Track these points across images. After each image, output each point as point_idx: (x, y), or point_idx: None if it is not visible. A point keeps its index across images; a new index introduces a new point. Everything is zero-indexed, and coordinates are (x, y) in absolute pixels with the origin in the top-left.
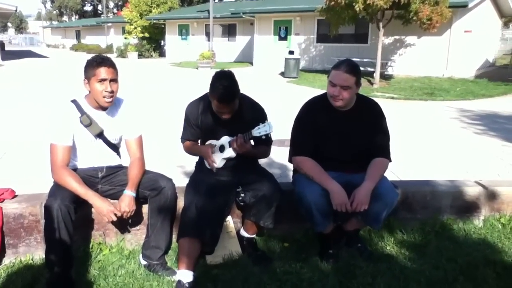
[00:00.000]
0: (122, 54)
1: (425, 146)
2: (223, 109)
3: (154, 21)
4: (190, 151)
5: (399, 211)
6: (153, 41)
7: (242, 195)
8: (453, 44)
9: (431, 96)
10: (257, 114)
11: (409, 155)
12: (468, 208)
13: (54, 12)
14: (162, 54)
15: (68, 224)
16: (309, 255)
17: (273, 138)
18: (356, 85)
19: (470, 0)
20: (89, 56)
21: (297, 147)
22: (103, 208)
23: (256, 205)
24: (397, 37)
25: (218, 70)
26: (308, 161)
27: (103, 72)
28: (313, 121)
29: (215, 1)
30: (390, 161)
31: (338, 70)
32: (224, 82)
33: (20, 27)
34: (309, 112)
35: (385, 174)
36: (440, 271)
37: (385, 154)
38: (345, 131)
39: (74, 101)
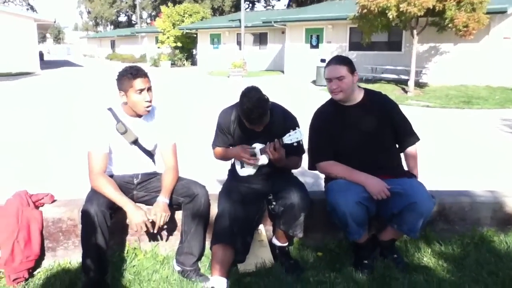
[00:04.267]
0: (155, 63)
1: (463, 156)
2: (254, 127)
3: (187, 31)
4: (221, 156)
5: (436, 222)
6: (185, 50)
7: (274, 203)
8: (491, 51)
9: (468, 104)
10: (289, 123)
11: (446, 164)
12: (509, 220)
13: (90, 22)
14: (194, 63)
15: (104, 229)
16: (344, 265)
17: (305, 147)
18: (351, 73)
19: (509, 6)
20: (124, 65)
21: (317, 153)
22: (135, 218)
23: (285, 214)
24: (432, 44)
25: (246, 87)
26: (334, 164)
27: (140, 82)
28: (326, 125)
29: (247, 10)
30: (419, 139)
31: (328, 66)
32: (251, 102)
33: (58, 38)
34: (321, 117)
35: (422, 182)
36: (481, 284)
37: (413, 139)
38: (360, 125)
39: (110, 109)
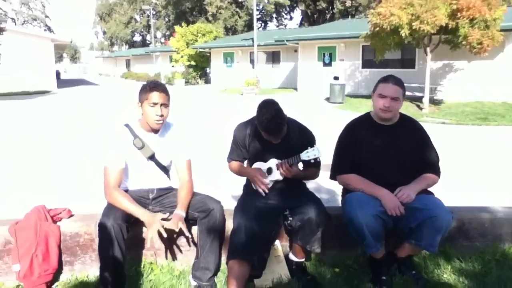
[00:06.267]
0: (170, 81)
1: (481, 173)
2: (272, 138)
3: (200, 50)
4: (237, 172)
5: (456, 238)
6: (199, 68)
7: (290, 218)
8: (506, 67)
9: (485, 121)
10: (305, 138)
11: (464, 181)
12: None
13: (106, 42)
14: (207, 81)
15: (120, 242)
16: (362, 281)
17: (328, 158)
18: (402, 97)
19: None
20: (138, 83)
21: (340, 165)
22: (151, 224)
23: (302, 229)
24: (445, 61)
25: (262, 100)
26: (354, 176)
27: (155, 96)
28: (356, 139)
29: (259, 29)
30: (439, 174)
31: (387, 83)
32: (269, 113)
33: (74, 57)
34: (352, 131)
35: (440, 199)
36: None
37: (435, 170)
38: (390, 146)
39: (127, 125)
